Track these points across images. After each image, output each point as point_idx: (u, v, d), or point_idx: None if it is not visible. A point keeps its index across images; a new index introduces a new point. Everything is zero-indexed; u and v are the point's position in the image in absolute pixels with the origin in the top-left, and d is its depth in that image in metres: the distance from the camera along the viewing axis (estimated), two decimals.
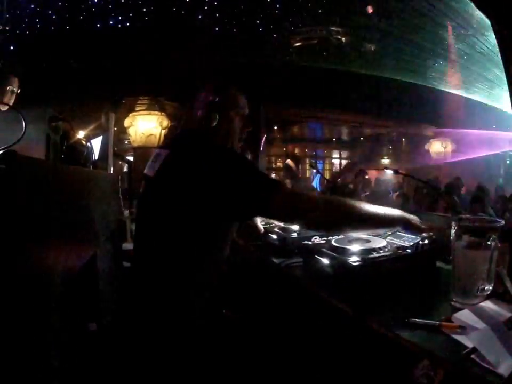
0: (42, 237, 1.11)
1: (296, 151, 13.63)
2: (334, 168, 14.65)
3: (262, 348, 1.63)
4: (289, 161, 5.35)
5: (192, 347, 1.18)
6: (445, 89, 8.76)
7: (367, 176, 6.72)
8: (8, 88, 2.33)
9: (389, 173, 4.96)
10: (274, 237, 1.73)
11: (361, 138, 12.99)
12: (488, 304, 0.98)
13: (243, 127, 1.29)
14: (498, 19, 1.58)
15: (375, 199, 4.48)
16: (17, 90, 2.38)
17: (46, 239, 1.14)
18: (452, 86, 8.80)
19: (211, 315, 1.49)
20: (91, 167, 2.42)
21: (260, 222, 1.80)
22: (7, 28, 5.59)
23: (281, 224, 1.82)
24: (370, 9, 7.24)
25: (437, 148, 11.21)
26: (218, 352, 1.32)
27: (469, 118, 8.70)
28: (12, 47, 5.71)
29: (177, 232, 1.12)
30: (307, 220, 1.13)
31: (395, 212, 1.24)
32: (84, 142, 2.38)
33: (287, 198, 1.08)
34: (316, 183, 7.87)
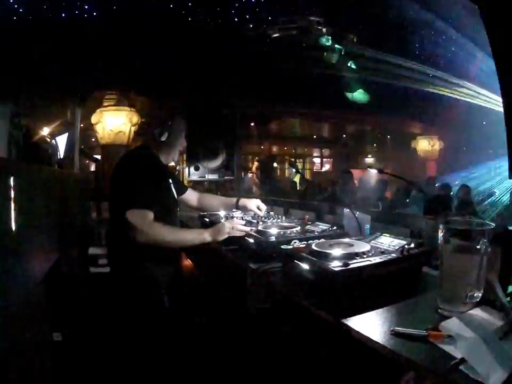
0: None
1: (275, 149, 13.38)
2: (314, 167, 14.47)
3: (237, 356, 1.58)
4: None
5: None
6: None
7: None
8: None
9: (373, 172, 4.83)
10: (251, 240, 1.65)
11: (344, 136, 12.78)
12: (477, 312, 0.94)
13: (181, 143, 1.95)
14: (491, 13, 1.57)
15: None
16: None
17: (4, 243, 1.12)
18: None
19: (183, 322, 1.47)
20: (56, 166, 2.34)
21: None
22: None
23: (259, 228, 1.75)
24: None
25: (424, 146, 11.04)
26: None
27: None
28: None
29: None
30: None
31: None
32: (48, 139, 2.32)
33: (136, 213, 1.61)
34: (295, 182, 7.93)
